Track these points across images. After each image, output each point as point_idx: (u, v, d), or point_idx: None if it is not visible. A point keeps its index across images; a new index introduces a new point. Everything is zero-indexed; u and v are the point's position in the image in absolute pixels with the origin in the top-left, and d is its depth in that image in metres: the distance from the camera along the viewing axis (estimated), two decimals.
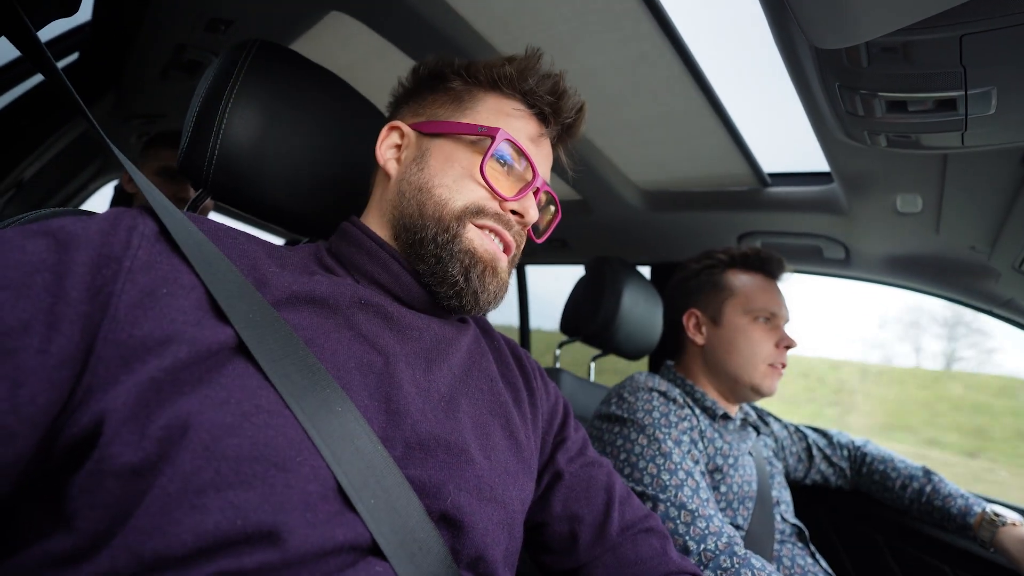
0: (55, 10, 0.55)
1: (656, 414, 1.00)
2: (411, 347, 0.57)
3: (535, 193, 0.63)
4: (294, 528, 0.40)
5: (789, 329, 1.13)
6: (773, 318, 1.11)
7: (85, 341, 0.40)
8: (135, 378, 0.40)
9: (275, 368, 0.45)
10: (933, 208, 1.13)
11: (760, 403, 1.41)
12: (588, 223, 1.71)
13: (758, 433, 1.19)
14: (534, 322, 2.54)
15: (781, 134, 1.19)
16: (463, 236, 0.59)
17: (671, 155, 1.34)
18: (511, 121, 0.63)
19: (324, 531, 0.41)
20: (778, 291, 1.16)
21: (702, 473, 0.98)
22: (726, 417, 1.10)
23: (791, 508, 1.15)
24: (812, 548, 1.09)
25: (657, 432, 0.96)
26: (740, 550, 0.81)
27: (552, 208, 0.73)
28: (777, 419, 1.38)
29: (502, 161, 0.62)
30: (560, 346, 1.66)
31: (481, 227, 0.60)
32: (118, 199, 1.97)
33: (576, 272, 1.80)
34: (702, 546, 0.82)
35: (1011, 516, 1.07)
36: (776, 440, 1.30)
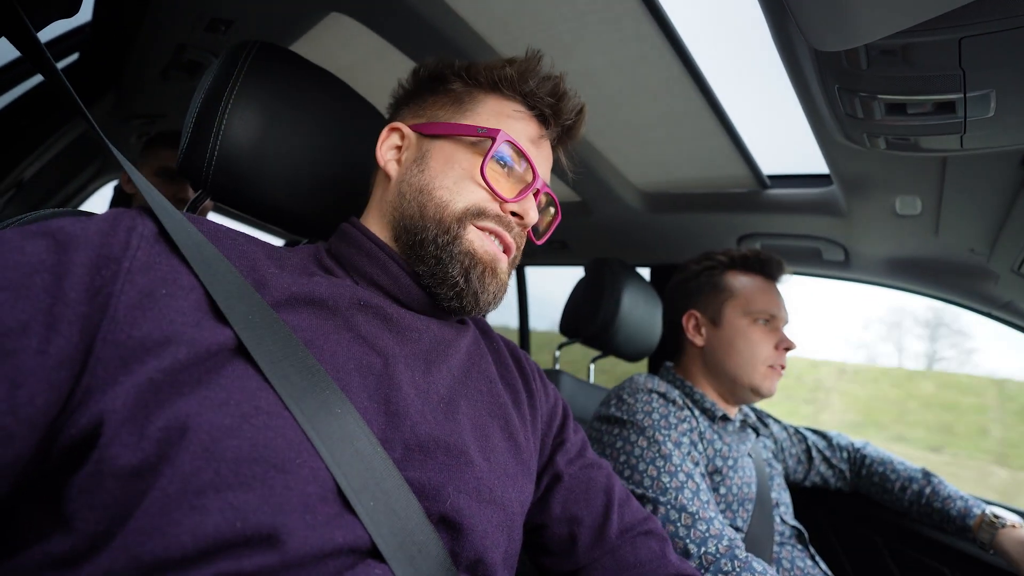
0: (55, 11, 0.55)
1: (656, 416, 0.99)
2: (410, 348, 0.57)
3: (535, 194, 0.63)
4: (293, 530, 0.40)
5: (787, 331, 1.14)
6: (773, 320, 1.11)
7: (84, 342, 0.40)
8: (134, 379, 0.40)
9: (274, 369, 0.44)
10: (932, 210, 1.14)
11: None
12: (588, 224, 1.71)
13: (757, 435, 1.18)
14: (533, 323, 2.54)
15: (780, 136, 1.20)
16: (464, 238, 0.59)
17: (671, 157, 1.35)
18: (511, 123, 0.63)
19: (323, 533, 0.41)
20: (777, 293, 1.16)
21: (702, 475, 0.97)
22: (725, 419, 1.10)
23: (791, 510, 1.14)
24: (812, 550, 1.09)
25: (657, 434, 0.96)
26: (741, 553, 0.80)
27: (552, 209, 0.73)
28: (777, 421, 1.37)
29: (502, 163, 0.62)
30: (560, 347, 1.66)
31: (482, 229, 0.60)
32: (117, 199, 1.97)
33: (576, 273, 1.80)
34: (703, 549, 0.81)
35: (1011, 518, 1.07)
36: (775, 442, 1.30)
